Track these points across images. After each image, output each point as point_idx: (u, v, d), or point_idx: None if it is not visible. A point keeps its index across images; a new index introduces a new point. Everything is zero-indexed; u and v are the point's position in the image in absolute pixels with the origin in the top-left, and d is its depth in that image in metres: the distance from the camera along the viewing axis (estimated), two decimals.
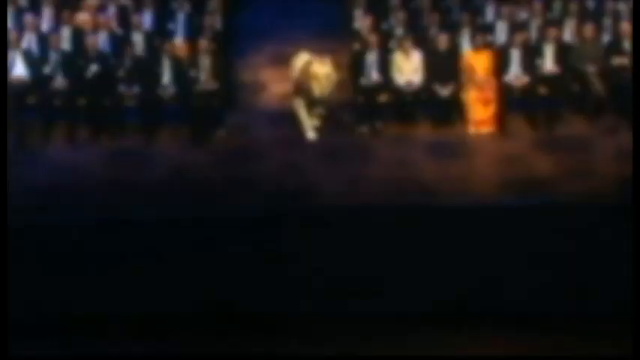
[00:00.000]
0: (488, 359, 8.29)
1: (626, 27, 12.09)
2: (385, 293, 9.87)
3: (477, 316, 9.49)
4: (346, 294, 9.89)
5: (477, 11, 13.08)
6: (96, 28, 12.54)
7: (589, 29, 12.17)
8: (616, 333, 8.53)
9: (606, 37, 12.45)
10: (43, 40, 12.24)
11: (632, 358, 7.59)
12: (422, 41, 12.36)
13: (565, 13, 12.89)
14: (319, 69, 11.41)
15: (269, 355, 8.56)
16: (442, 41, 12.22)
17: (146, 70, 12.05)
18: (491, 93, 11.84)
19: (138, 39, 12.49)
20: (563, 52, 12.12)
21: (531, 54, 12.12)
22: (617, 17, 12.55)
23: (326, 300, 9.88)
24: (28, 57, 11.98)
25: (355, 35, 12.88)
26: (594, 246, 9.83)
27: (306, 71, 11.58)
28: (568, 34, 12.65)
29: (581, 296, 9.64)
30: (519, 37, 12.17)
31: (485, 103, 11.84)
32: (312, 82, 11.44)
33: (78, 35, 12.36)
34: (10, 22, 12.35)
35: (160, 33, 12.78)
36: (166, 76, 12.03)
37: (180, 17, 13.02)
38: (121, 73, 12.04)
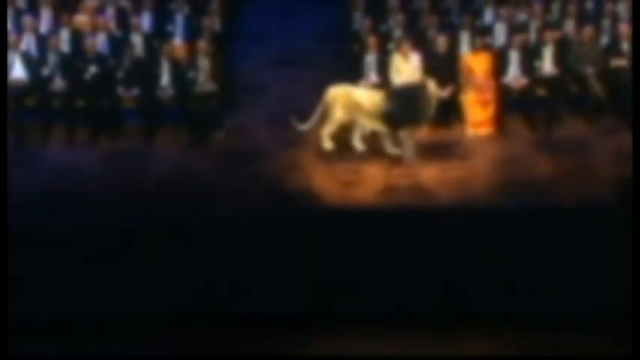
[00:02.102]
0: (488, 359, 8.32)
1: (624, 28, 12.10)
2: (384, 294, 9.92)
3: (476, 316, 9.52)
4: (345, 294, 9.93)
5: (475, 13, 13.04)
6: (95, 29, 12.50)
7: (588, 31, 12.16)
8: (616, 333, 8.55)
9: (605, 39, 12.44)
10: (42, 41, 12.20)
11: (632, 358, 7.61)
12: (421, 43, 12.34)
13: (564, 14, 12.88)
14: (433, 87, 11.27)
15: (267, 356, 8.59)
16: (441, 43, 12.19)
17: (145, 71, 12.04)
18: (489, 94, 11.83)
19: (137, 41, 12.46)
20: (562, 54, 12.12)
21: (530, 56, 12.11)
22: (615, 19, 12.54)
23: (324, 300, 9.91)
24: (27, 59, 11.96)
25: (354, 37, 12.86)
26: (593, 247, 9.86)
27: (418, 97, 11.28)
28: (567, 35, 12.63)
29: (581, 296, 9.66)
30: (518, 39, 12.16)
31: (484, 104, 11.83)
32: (425, 107, 11.24)
33: (77, 37, 12.33)
34: (9, 24, 12.33)
35: (158, 35, 12.74)
36: (165, 78, 12.02)
37: (179, 19, 12.98)
38: (119, 74, 12.02)
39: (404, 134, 11.25)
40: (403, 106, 11.21)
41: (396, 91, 11.47)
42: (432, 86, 11.25)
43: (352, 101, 11.33)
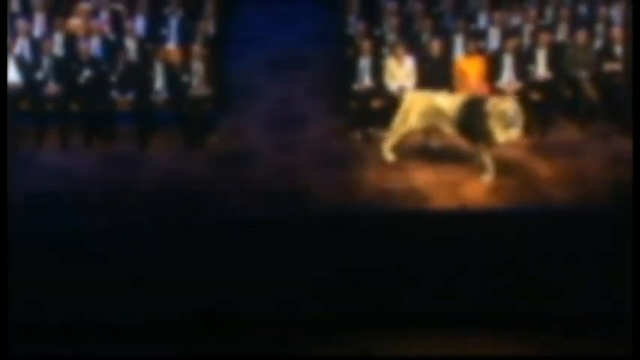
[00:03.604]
0: (488, 359, 8.34)
1: (617, 32, 12.16)
2: (379, 297, 9.92)
3: (476, 317, 9.54)
4: (338, 297, 9.93)
5: (469, 17, 13.06)
6: (88, 33, 12.46)
7: (581, 35, 12.20)
8: (616, 333, 8.58)
9: (598, 43, 12.47)
10: (36, 45, 12.18)
11: (632, 358, 7.64)
12: (415, 47, 12.36)
13: (557, 18, 12.92)
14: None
15: (266, 357, 8.60)
16: (435, 47, 12.22)
17: (139, 75, 12.03)
18: None
19: (130, 44, 12.43)
20: (556, 58, 12.15)
21: (524, 60, 12.14)
22: (608, 23, 12.60)
23: (319, 303, 9.91)
24: (21, 62, 11.95)
25: (348, 41, 12.88)
26: (587, 249, 9.89)
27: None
28: (560, 39, 12.67)
29: (578, 297, 9.69)
30: (512, 43, 12.18)
31: None
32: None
33: (70, 40, 12.31)
34: None
35: (152, 38, 12.72)
36: (159, 82, 12.00)
37: (173, 22, 12.95)
38: (113, 78, 12.00)
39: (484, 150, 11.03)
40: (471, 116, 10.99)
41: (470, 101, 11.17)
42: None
43: (433, 107, 11.19)
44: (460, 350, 8.59)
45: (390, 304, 9.85)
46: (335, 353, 8.76)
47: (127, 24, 12.70)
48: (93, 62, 12.04)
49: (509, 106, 10.75)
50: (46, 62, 12.00)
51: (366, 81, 12.13)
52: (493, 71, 12.07)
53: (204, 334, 9.42)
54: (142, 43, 12.55)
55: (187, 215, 10.49)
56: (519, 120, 10.74)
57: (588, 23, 12.69)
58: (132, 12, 13.04)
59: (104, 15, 12.98)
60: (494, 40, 12.69)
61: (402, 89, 11.97)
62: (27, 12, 12.84)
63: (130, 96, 11.93)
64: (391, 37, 12.77)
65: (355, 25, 12.97)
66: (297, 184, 11.02)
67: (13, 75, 11.81)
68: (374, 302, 9.88)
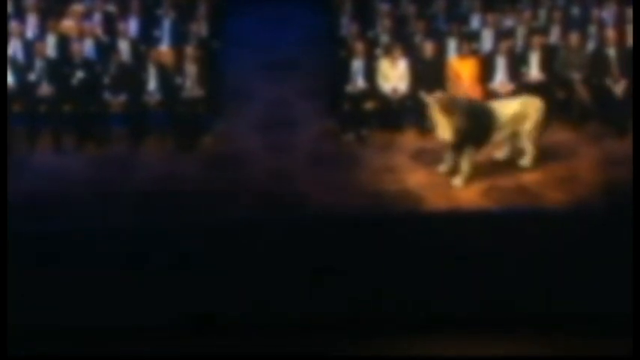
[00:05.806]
0: None
1: (610, 34, 12.18)
2: (375, 298, 9.92)
3: (476, 318, 9.55)
4: (333, 298, 9.93)
5: (462, 19, 13.09)
6: (81, 35, 12.45)
7: (574, 37, 12.21)
8: (616, 333, 8.59)
9: (591, 45, 12.48)
10: (29, 47, 12.15)
11: (632, 358, 7.65)
12: (408, 49, 12.36)
13: (550, 20, 12.94)
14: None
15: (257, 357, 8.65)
16: (428, 49, 12.23)
17: (132, 77, 12.01)
18: None
19: (123, 46, 12.42)
20: (549, 60, 12.17)
21: (517, 61, 12.15)
22: (601, 25, 12.62)
23: (313, 304, 9.91)
24: (13, 64, 11.92)
25: (341, 42, 12.88)
26: (580, 251, 9.91)
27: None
28: (553, 41, 12.69)
29: (580, 297, 9.70)
30: (505, 45, 12.19)
31: None
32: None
33: (63, 42, 12.30)
34: None
35: (145, 40, 12.72)
36: (152, 84, 11.99)
37: (166, 24, 12.95)
38: (106, 80, 11.97)
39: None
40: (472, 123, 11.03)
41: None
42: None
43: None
44: (460, 351, 8.59)
45: (385, 306, 9.86)
46: (332, 354, 8.75)
47: (120, 25, 12.69)
48: (86, 64, 12.02)
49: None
50: (38, 64, 11.97)
51: (359, 83, 12.12)
52: (486, 73, 12.07)
53: (197, 338, 9.41)
54: (134, 45, 12.54)
55: (180, 217, 10.48)
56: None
57: (581, 25, 12.71)
58: (125, 13, 13.03)
59: (97, 16, 12.98)
60: (487, 41, 12.71)
61: (395, 91, 11.98)
62: (20, 13, 12.81)
63: (122, 98, 11.91)
64: (384, 38, 12.78)
65: (348, 27, 13.00)
66: (290, 186, 11.03)
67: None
68: (369, 303, 9.89)
